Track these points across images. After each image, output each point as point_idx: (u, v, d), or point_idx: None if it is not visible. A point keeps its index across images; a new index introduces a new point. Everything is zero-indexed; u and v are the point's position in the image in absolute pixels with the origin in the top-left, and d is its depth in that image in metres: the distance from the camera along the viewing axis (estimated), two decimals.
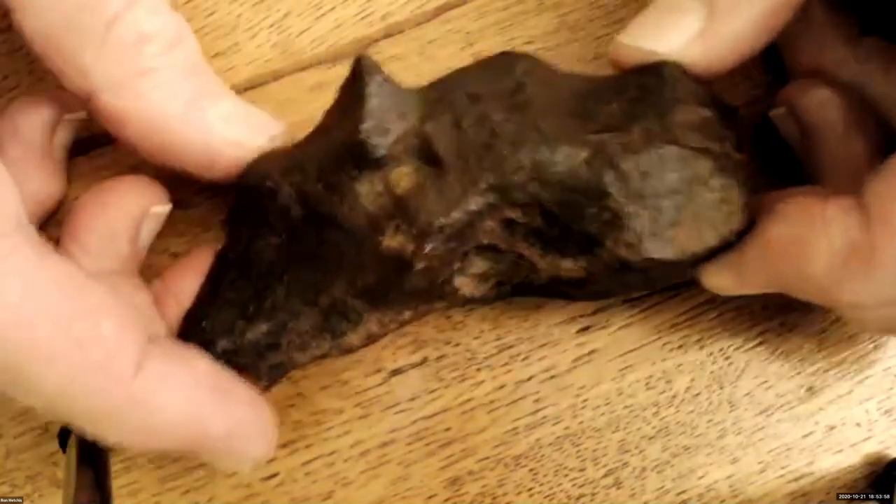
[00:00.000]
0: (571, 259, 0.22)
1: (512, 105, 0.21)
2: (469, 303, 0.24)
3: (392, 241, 0.21)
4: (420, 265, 0.21)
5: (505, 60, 0.22)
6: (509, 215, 0.21)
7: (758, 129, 0.26)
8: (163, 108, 0.22)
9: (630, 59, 0.22)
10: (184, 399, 0.20)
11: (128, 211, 0.24)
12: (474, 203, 0.21)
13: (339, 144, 0.21)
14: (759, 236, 0.21)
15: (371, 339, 0.24)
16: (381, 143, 0.20)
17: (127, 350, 0.19)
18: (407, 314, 0.24)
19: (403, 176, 0.21)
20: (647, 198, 0.20)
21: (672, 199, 0.21)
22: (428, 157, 0.21)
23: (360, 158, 0.20)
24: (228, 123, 0.22)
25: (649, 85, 0.21)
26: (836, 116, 0.23)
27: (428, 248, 0.21)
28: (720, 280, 0.22)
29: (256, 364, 0.23)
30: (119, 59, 0.21)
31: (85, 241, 0.23)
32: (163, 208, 0.25)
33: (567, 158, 0.20)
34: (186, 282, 0.24)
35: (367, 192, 0.21)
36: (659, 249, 0.21)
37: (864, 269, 0.18)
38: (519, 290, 0.24)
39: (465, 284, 0.23)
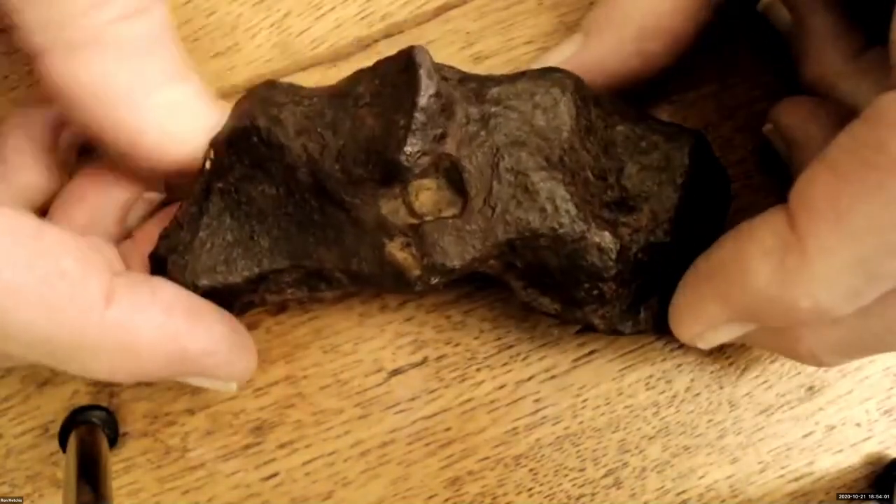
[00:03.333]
0: (549, 300, 0.23)
1: (548, 161, 0.21)
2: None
3: (398, 252, 0.21)
4: (419, 288, 0.22)
5: (553, 86, 0.22)
6: (512, 261, 0.22)
7: (764, 145, 0.26)
8: (102, 82, 0.20)
9: None
10: (159, 320, 0.20)
11: (121, 193, 0.24)
12: (488, 252, 0.21)
13: (370, 141, 0.20)
14: (703, 267, 0.21)
15: (345, 296, 0.25)
16: (417, 166, 0.20)
17: (92, 283, 0.20)
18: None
19: (424, 189, 0.21)
20: (634, 281, 0.22)
21: (650, 282, 0.23)
22: (455, 183, 0.21)
23: (391, 173, 0.20)
24: (172, 113, 0.21)
25: (672, 157, 0.23)
26: (817, 132, 0.23)
27: (434, 281, 0.22)
28: (685, 328, 0.22)
29: (230, 301, 0.23)
30: (66, 21, 0.20)
31: (74, 216, 0.23)
32: (155, 195, 0.25)
33: (583, 240, 0.21)
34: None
35: (386, 195, 0.21)
36: (626, 326, 0.23)
37: (800, 263, 0.18)
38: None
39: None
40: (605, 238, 0.21)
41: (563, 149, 0.21)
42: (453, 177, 0.21)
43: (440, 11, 0.27)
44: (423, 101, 0.20)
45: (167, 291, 0.21)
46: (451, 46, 0.27)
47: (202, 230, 0.22)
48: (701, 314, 0.21)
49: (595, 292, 0.22)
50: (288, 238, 0.22)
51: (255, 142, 0.22)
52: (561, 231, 0.21)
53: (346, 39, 0.27)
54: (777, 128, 0.25)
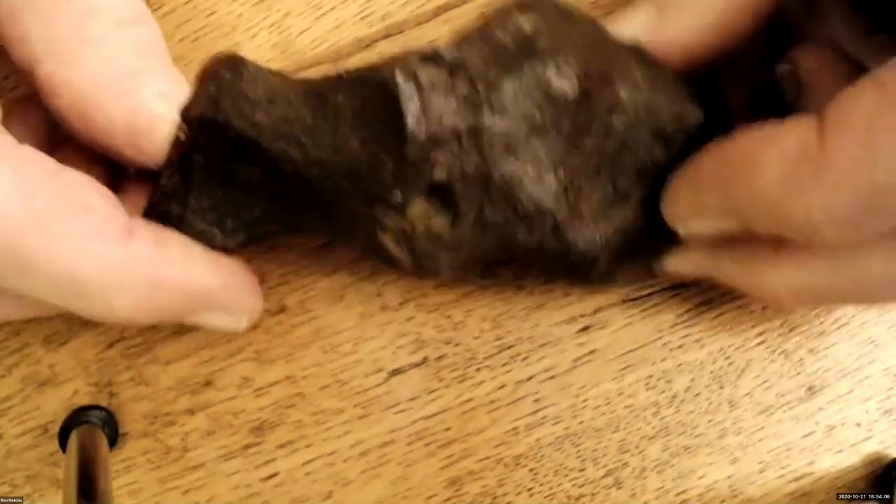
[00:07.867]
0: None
1: (540, 170, 0.21)
2: None
3: (392, 246, 0.22)
4: (411, 275, 0.22)
5: (553, 80, 0.21)
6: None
7: (757, 92, 0.26)
8: (96, 76, 0.21)
9: None
10: (181, 255, 0.21)
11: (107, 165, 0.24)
12: (477, 259, 0.22)
13: (356, 166, 0.20)
14: (713, 155, 0.21)
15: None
16: (405, 203, 0.20)
17: (115, 218, 0.20)
18: None
19: (416, 204, 0.21)
20: (613, 261, 0.23)
21: (629, 252, 0.23)
22: (445, 199, 0.21)
23: (379, 204, 0.21)
24: (163, 99, 0.21)
25: (672, 142, 0.22)
26: (840, 82, 0.22)
27: (424, 278, 0.22)
28: (676, 208, 0.22)
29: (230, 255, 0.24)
30: (62, 27, 0.21)
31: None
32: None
33: (569, 249, 0.22)
34: None
35: (377, 207, 0.21)
36: (599, 287, 0.25)
37: (813, 173, 0.17)
38: None
39: None
40: (592, 245, 0.22)
41: (556, 158, 0.21)
42: (444, 194, 0.21)
43: (440, 11, 0.27)
44: (411, 153, 0.20)
45: (180, 235, 0.22)
46: None
47: (192, 201, 0.23)
48: (696, 200, 0.21)
49: (575, 277, 0.23)
50: (279, 210, 0.23)
51: (232, 137, 0.21)
52: (549, 245, 0.22)
53: (346, 39, 0.27)
54: (796, 70, 0.23)
